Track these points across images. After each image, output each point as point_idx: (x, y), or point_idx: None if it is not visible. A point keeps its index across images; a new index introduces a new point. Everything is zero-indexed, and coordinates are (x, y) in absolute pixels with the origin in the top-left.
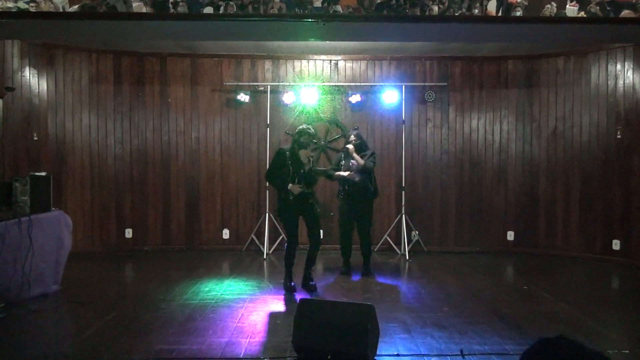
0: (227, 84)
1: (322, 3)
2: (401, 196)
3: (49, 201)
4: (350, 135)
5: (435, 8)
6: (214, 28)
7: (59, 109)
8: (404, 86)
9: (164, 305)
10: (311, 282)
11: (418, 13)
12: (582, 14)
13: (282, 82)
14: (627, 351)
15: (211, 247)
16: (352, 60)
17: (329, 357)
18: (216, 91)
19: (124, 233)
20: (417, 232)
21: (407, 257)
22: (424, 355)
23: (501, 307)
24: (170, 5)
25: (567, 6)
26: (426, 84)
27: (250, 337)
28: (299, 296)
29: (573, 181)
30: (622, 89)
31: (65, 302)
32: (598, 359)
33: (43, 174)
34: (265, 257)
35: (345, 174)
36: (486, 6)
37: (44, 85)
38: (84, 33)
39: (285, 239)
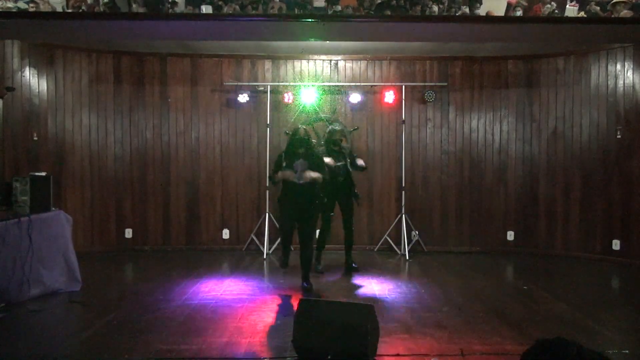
0: (227, 84)
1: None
2: (401, 196)
3: (49, 201)
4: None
5: (435, 8)
6: (214, 28)
7: (59, 109)
8: (404, 86)
9: (164, 305)
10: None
11: (418, 13)
12: (582, 14)
13: (282, 82)
14: (627, 351)
15: (211, 247)
16: (352, 60)
17: (329, 357)
18: (216, 91)
19: (124, 233)
20: (417, 232)
21: (407, 257)
22: (424, 355)
23: (501, 307)
24: (168, 5)
25: (567, 6)
26: (426, 84)
27: (250, 337)
28: (299, 296)
29: (573, 181)
30: (622, 89)
31: (65, 302)
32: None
33: (43, 174)
34: (265, 257)
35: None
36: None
37: (44, 85)
38: (84, 33)
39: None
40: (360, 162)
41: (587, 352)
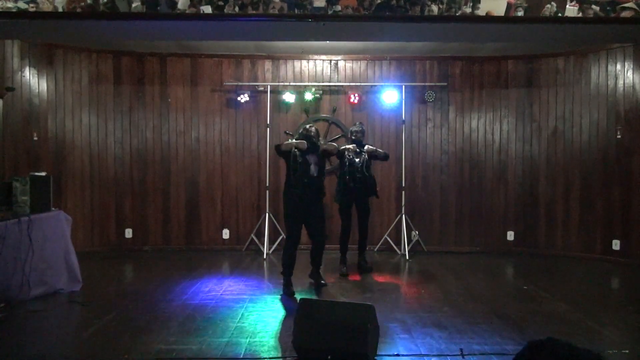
0: (227, 84)
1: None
2: (401, 196)
3: (49, 201)
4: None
5: (435, 8)
6: (214, 28)
7: (59, 109)
8: (404, 86)
9: (164, 305)
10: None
11: (418, 13)
12: (582, 14)
13: (282, 82)
14: (627, 351)
15: (211, 247)
16: (352, 60)
17: (329, 357)
18: (216, 91)
19: (124, 233)
20: (417, 232)
21: (407, 257)
22: (424, 355)
23: (501, 307)
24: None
25: (567, 6)
26: (426, 84)
27: (250, 337)
28: (299, 296)
29: (573, 181)
30: (622, 89)
31: (65, 302)
32: (589, 357)
33: (43, 174)
34: (265, 257)
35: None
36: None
37: (44, 85)
38: (84, 33)
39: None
40: (377, 152)
41: (580, 351)
